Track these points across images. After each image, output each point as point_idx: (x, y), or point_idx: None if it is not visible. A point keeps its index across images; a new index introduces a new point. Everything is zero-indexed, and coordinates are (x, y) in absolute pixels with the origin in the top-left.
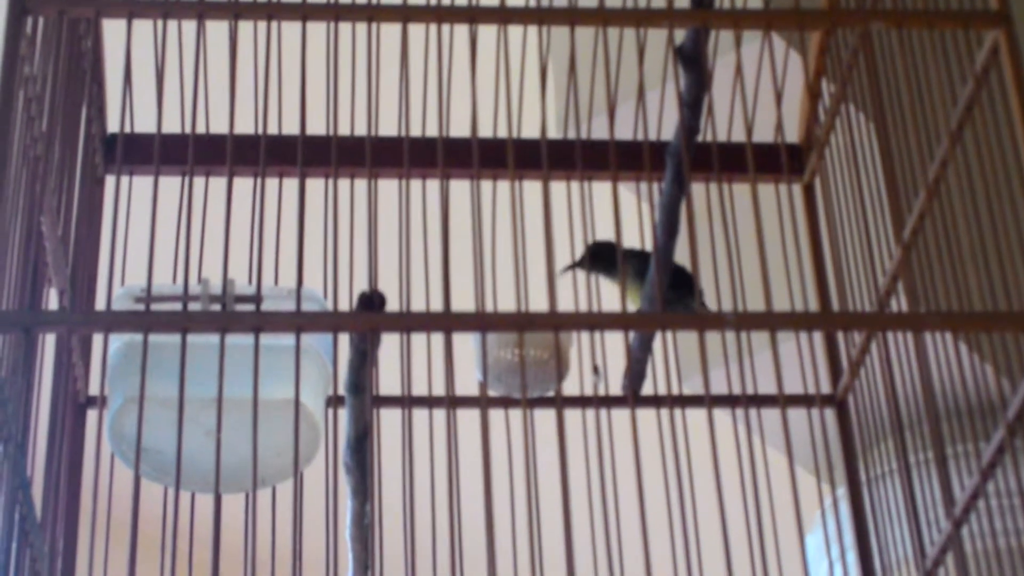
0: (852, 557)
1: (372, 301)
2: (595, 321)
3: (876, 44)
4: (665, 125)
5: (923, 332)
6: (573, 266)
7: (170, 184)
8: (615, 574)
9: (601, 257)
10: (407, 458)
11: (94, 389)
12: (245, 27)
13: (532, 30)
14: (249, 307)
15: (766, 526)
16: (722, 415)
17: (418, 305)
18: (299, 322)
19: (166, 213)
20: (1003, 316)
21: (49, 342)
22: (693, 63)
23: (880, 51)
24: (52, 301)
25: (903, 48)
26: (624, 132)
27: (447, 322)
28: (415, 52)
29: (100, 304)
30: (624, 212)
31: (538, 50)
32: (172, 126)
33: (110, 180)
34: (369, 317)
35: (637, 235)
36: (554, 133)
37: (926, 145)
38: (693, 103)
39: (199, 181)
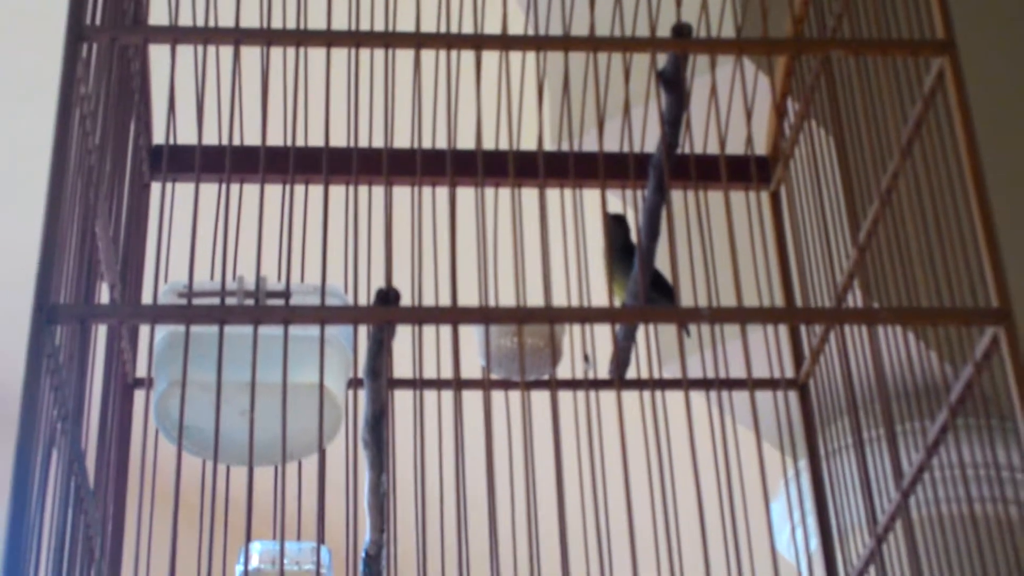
0: (812, 521)
1: (388, 297)
2: (585, 315)
3: (836, 68)
4: (648, 138)
5: (876, 325)
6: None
7: (207, 190)
8: (602, 534)
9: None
10: (418, 434)
11: (140, 372)
12: (276, 52)
13: (531, 55)
14: (279, 302)
15: (736, 493)
16: (697, 397)
17: (428, 300)
18: (323, 315)
19: (204, 216)
20: (948, 311)
21: (101, 330)
22: (673, 85)
23: (839, 74)
24: (104, 294)
25: (859, 72)
26: (612, 145)
27: (454, 315)
28: (427, 74)
29: (146, 296)
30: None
31: (536, 72)
32: (210, 138)
33: (155, 186)
34: (385, 311)
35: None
36: (550, 146)
37: (880, 158)
38: (673, 121)
39: (234, 188)
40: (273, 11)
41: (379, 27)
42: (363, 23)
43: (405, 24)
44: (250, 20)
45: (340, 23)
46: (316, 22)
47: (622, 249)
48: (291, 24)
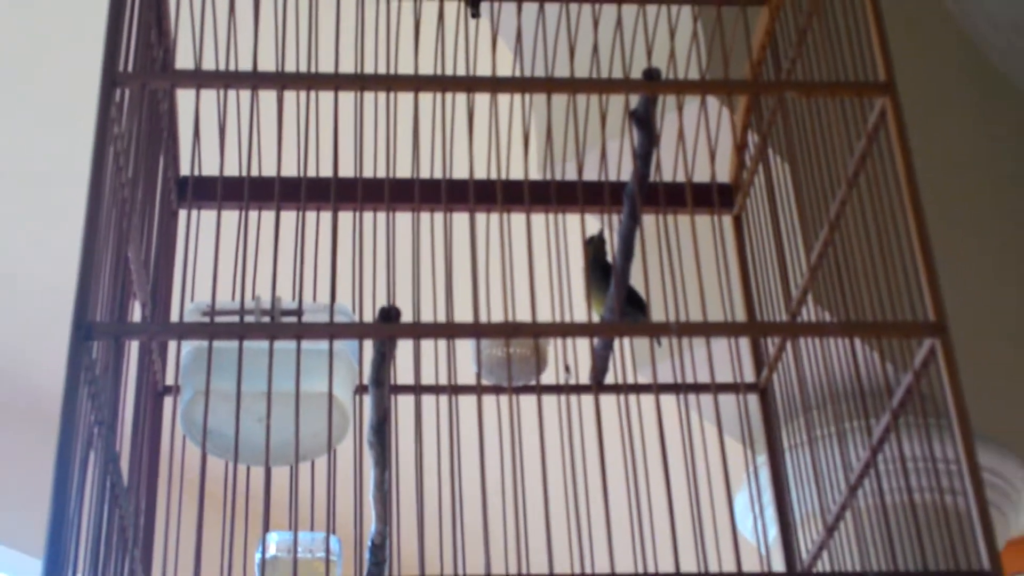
0: (771, 511)
1: (390, 314)
2: (567, 329)
3: (790, 105)
4: (623, 168)
5: (827, 337)
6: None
7: (229, 217)
8: (582, 520)
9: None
10: (418, 435)
11: (169, 381)
12: (289, 94)
13: (517, 95)
14: (292, 319)
15: (702, 486)
16: (667, 400)
17: (427, 316)
18: (332, 331)
19: (226, 241)
20: (890, 325)
21: (133, 343)
22: (644, 123)
23: (794, 111)
24: (136, 311)
25: (811, 111)
26: (590, 175)
27: (450, 330)
28: (424, 112)
29: (174, 313)
30: None
31: (522, 111)
32: (231, 170)
33: (182, 214)
34: (387, 327)
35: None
36: (534, 175)
37: (829, 187)
38: (644, 154)
39: (252, 215)
40: (287, 57)
41: (381, 70)
42: (367, 67)
43: (405, 68)
44: (266, 65)
45: (347, 67)
46: (325, 66)
47: (601, 267)
48: (303, 68)
